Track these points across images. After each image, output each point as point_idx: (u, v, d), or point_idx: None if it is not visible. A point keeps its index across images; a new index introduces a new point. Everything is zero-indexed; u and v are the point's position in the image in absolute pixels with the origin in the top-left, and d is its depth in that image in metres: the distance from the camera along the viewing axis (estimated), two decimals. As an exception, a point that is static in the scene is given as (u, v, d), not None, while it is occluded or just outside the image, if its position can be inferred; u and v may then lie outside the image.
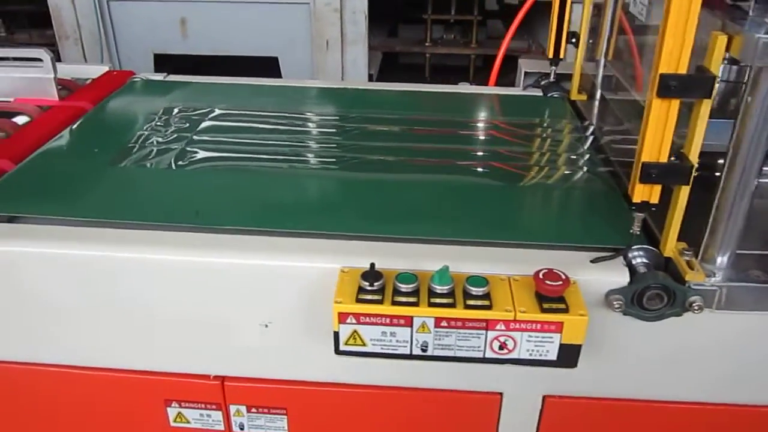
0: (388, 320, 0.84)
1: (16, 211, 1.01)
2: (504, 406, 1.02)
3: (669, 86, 0.79)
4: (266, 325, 0.97)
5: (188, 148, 1.21)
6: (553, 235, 1.00)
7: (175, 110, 1.37)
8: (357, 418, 1.06)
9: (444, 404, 1.03)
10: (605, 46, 1.35)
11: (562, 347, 0.85)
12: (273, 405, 1.05)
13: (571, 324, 0.83)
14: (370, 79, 2.63)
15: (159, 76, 1.55)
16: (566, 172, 1.17)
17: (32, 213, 1.01)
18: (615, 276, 0.90)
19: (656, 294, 0.89)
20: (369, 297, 0.84)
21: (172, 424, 1.08)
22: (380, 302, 0.84)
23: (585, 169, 1.18)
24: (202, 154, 1.20)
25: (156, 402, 1.06)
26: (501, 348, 0.85)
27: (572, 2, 1.37)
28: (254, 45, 2.54)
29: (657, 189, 0.88)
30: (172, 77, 1.56)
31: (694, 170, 0.83)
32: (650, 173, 0.85)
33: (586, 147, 1.26)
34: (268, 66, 2.56)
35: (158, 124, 1.31)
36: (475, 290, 0.84)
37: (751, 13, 0.81)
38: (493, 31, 3.10)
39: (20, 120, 1.31)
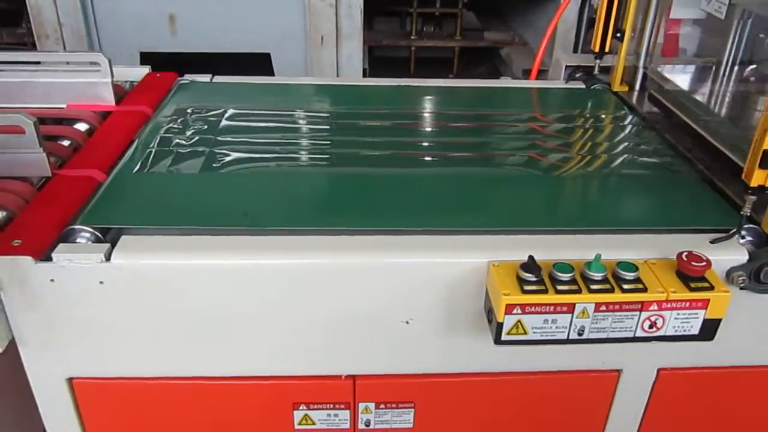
0: (552, 308, 0.89)
1: (129, 223, 0.99)
2: (621, 382, 1.08)
3: (799, 79, 0.88)
4: (407, 322, 0.99)
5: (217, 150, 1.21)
6: (662, 219, 1.07)
7: (231, 111, 1.37)
8: (479, 405, 1.10)
9: (564, 384, 1.09)
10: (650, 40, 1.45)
11: (705, 322, 0.92)
12: (402, 399, 1.07)
13: (716, 300, 0.90)
14: (365, 74, 2.65)
15: (205, 78, 1.52)
16: (638, 159, 1.25)
17: (146, 224, 0.99)
18: (736, 254, 0.98)
19: (772, 269, 0.98)
20: (534, 288, 0.88)
21: (297, 426, 1.08)
22: (545, 292, 0.88)
23: (648, 156, 1.26)
24: (233, 155, 1.20)
25: (284, 407, 1.06)
26: (651, 327, 0.92)
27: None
28: (246, 41, 2.49)
29: (774, 173, 0.96)
30: (218, 78, 1.53)
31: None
32: (772, 159, 0.94)
33: (646, 135, 1.34)
34: (260, 63, 2.53)
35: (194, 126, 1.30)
36: (628, 275, 0.90)
37: None
38: (469, 23, 3.17)
39: (81, 127, 1.26)
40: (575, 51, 2.57)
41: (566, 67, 1.60)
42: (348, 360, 1.04)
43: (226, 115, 1.35)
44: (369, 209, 1.06)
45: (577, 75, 1.61)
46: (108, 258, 0.91)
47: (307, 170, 1.19)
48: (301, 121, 1.37)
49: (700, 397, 1.12)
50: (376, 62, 3.15)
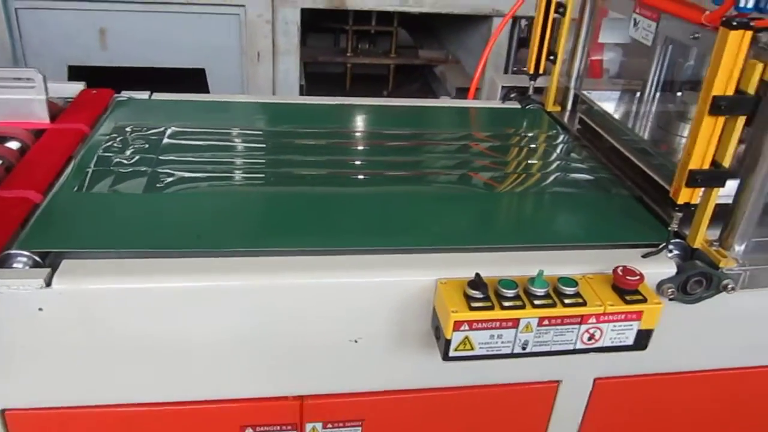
0: (498, 324, 0.92)
1: (70, 247, 0.96)
2: (560, 392, 1.13)
3: (720, 106, 0.94)
4: (356, 341, 1.00)
5: (160, 170, 1.19)
6: (592, 235, 1.12)
7: (172, 129, 1.34)
8: (427, 421, 1.12)
9: (507, 397, 1.12)
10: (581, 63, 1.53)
11: (639, 333, 0.97)
12: (350, 418, 1.08)
13: (649, 312, 0.96)
14: (301, 90, 2.65)
15: (143, 95, 1.49)
16: (573, 177, 1.31)
17: (89, 247, 0.96)
18: (665, 268, 1.04)
19: (697, 280, 1.05)
20: (481, 304, 0.91)
21: (245, 448, 1.07)
22: (491, 308, 0.91)
23: (580, 173, 1.32)
24: (177, 175, 1.18)
25: (231, 430, 1.05)
26: (589, 339, 0.96)
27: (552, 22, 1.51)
28: (180, 56, 2.46)
29: (698, 192, 1.03)
30: (157, 95, 1.50)
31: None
32: (696, 179, 1.00)
33: (578, 153, 1.41)
34: (194, 78, 2.49)
35: (118, 144, 1.27)
36: (569, 290, 0.94)
37: (769, 43, 0.98)
38: (403, 41, 3.23)
39: (12, 145, 1.22)
40: (506, 71, 2.67)
41: (502, 87, 1.66)
42: (296, 380, 1.04)
43: (168, 133, 1.33)
44: (318, 229, 1.07)
45: (512, 95, 1.67)
46: (48, 284, 0.88)
47: (252, 190, 1.19)
48: (240, 140, 1.37)
49: (634, 404, 1.18)
50: (312, 78, 3.16)
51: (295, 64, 2.52)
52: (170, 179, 1.16)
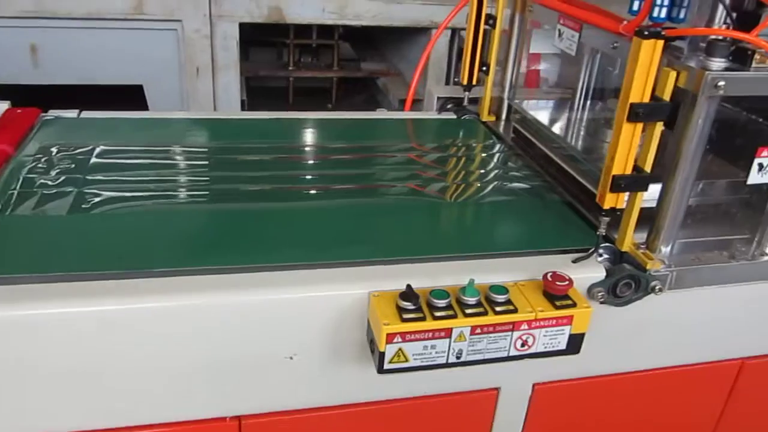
0: (430, 334, 0.92)
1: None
2: (500, 399, 1.14)
3: (637, 113, 0.97)
4: (291, 358, 0.99)
5: (87, 190, 1.16)
6: (524, 243, 1.14)
7: (101, 148, 1.31)
8: (367, 434, 1.11)
9: (448, 406, 1.12)
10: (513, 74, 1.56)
11: (571, 337, 0.99)
12: (289, 435, 1.07)
13: (580, 316, 0.97)
14: (243, 105, 2.63)
15: (72, 113, 1.45)
16: (507, 185, 1.33)
17: (9, 272, 0.92)
18: (595, 272, 1.06)
19: (626, 283, 1.07)
20: (413, 316, 0.91)
21: (181, 474, 1.04)
22: (423, 319, 0.91)
23: (514, 181, 1.34)
24: (105, 195, 1.16)
25: (167, 454, 1.02)
26: (522, 345, 0.97)
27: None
28: (117, 73, 2.41)
29: (622, 196, 1.06)
30: (87, 113, 1.47)
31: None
32: (620, 184, 1.03)
33: (512, 162, 1.43)
34: (133, 95, 2.44)
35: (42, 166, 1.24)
36: (500, 297, 0.95)
37: (685, 52, 1.02)
38: (345, 54, 3.24)
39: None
40: (447, 83, 2.71)
41: (438, 98, 1.67)
42: (232, 400, 1.02)
43: (96, 152, 1.29)
44: (249, 245, 1.06)
45: (449, 106, 1.69)
46: (-34, 311, 0.84)
47: (183, 208, 1.17)
48: (178, 157, 1.34)
49: (574, 407, 1.20)
50: (254, 93, 3.14)
51: (236, 78, 2.50)
52: (97, 199, 1.13)
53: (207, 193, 1.21)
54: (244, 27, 2.62)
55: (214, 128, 1.54)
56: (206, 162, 1.32)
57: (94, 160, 1.27)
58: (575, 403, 1.19)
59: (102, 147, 1.32)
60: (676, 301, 1.11)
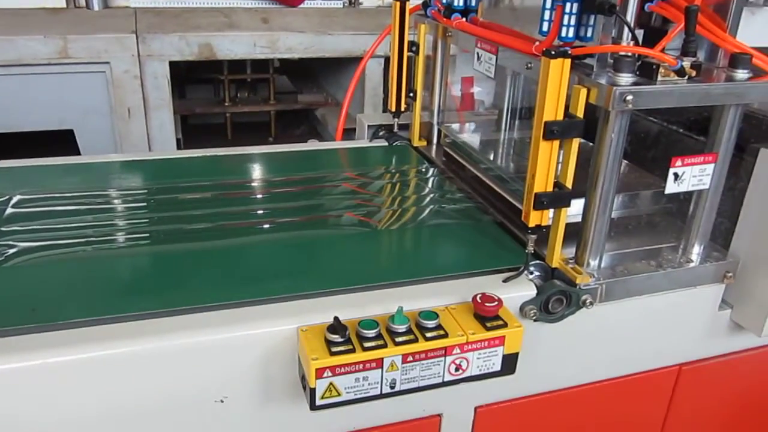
0: (361, 366, 0.90)
1: None
2: (443, 425, 1.12)
3: (552, 131, 0.99)
4: (222, 401, 0.96)
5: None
6: (455, 265, 1.14)
7: (17, 198, 1.26)
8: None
9: (391, 437, 1.10)
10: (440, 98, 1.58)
11: (505, 357, 0.98)
12: (227, 482, 1.02)
13: (511, 336, 0.97)
14: (178, 144, 2.58)
15: (-13, 163, 1.40)
16: (432, 208, 1.33)
17: None
18: (525, 290, 1.07)
19: (557, 299, 1.08)
20: (341, 348, 0.90)
21: None
22: (353, 351, 0.90)
23: (447, 204, 1.35)
24: (20, 246, 1.11)
25: None
26: (457, 369, 0.96)
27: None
28: (45, 119, 2.34)
29: (546, 213, 1.07)
30: (2, 163, 1.41)
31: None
32: (542, 201, 1.04)
33: (444, 186, 1.43)
34: (64, 141, 2.38)
35: None
36: (430, 323, 0.94)
37: (595, 69, 1.04)
38: (283, 87, 3.24)
39: None
40: (385, 109, 2.72)
41: (368, 126, 1.68)
42: (163, 451, 0.98)
43: (12, 202, 1.24)
44: (174, 288, 1.03)
45: (381, 133, 1.69)
46: None
47: (109, 253, 1.12)
48: (106, 201, 1.30)
49: (518, 427, 1.19)
50: (192, 130, 3.10)
51: (170, 118, 2.46)
52: (11, 251, 1.08)
53: (141, 235, 1.17)
54: (178, 65, 2.60)
55: (146, 169, 1.50)
56: (141, 204, 1.29)
57: (9, 210, 1.22)
58: (519, 422, 1.18)
59: (19, 197, 1.27)
60: (607, 312, 1.12)
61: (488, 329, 0.96)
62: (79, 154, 2.42)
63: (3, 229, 1.15)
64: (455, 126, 1.57)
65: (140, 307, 0.95)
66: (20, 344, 0.87)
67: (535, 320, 1.07)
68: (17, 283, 1.02)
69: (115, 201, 1.31)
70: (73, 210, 1.24)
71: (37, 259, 1.08)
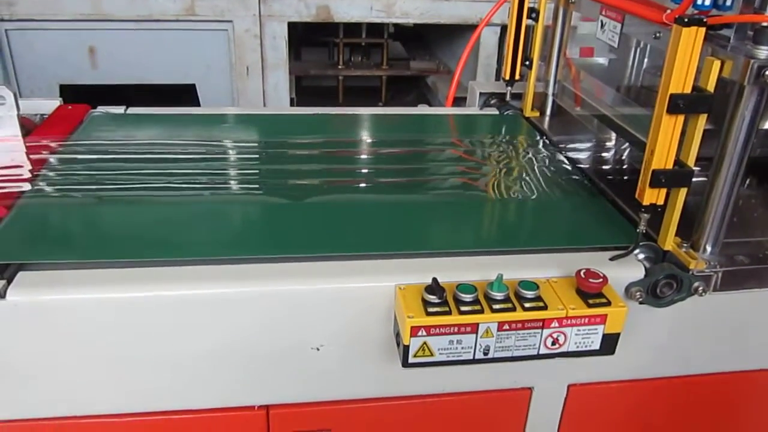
0: (456, 329, 0.90)
1: (30, 258, 0.96)
2: (533, 399, 1.11)
3: (677, 104, 0.93)
4: (318, 349, 0.99)
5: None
6: (560, 239, 1.11)
7: (148, 142, 1.35)
8: (395, 430, 1.10)
9: (478, 404, 1.10)
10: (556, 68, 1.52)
11: (605, 337, 0.95)
12: (317, 427, 1.07)
13: (613, 315, 0.94)
14: (292, 103, 2.66)
15: (119, 109, 1.50)
16: (539, 180, 1.29)
17: (48, 258, 0.96)
18: (633, 271, 1.02)
19: (667, 283, 1.03)
20: (437, 309, 0.90)
21: (209, 461, 1.06)
22: (449, 313, 0.90)
23: (556, 177, 1.31)
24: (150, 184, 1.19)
25: (196, 441, 1.04)
26: (553, 343, 0.94)
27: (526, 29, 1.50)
28: (170, 73, 2.48)
29: (663, 192, 1.01)
30: (132, 110, 1.51)
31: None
32: (660, 179, 0.99)
33: (556, 158, 1.39)
34: (185, 94, 2.51)
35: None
36: (529, 293, 0.93)
37: (732, 40, 0.97)
38: (396, 53, 3.24)
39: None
40: (497, 79, 2.66)
41: (480, 94, 1.65)
42: (260, 390, 1.02)
43: (143, 145, 1.33)
44: (280, 237, 1.06)
45: (492, 102, 1.66)
46: (3, 295, 0.88)
47: (224, 200, 1.18)
48: (228, 151, 1.36)
49: (609, 411, 1.16)
50: (305, 92, 3.18)
51: (285, 78, 2.53)
52: (142, 190, 1.16)
53: (251, 186, 1.22)
54: (296, 27, 2.65)
55: (263, 123, 1.56)
56: (254, 155, 1.34)
57: (139, 153, 1.30)
58: (611, 406, 1.15)
59: (149, 141, 1.35)
60: (721, 303, 1.06)
61: (590, 306, 0.93)
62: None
63: (132, 170, 1.23)
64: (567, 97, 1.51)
65: (247, 251, 1.00)
66: (147, 276, 0.94)
67: (640, 302, 1.03)
68: (147, 218, 1.10)
69: (230, 151, 1.37)
70: (191, 157, 1.31)
71: (160, 198, 1.15)
